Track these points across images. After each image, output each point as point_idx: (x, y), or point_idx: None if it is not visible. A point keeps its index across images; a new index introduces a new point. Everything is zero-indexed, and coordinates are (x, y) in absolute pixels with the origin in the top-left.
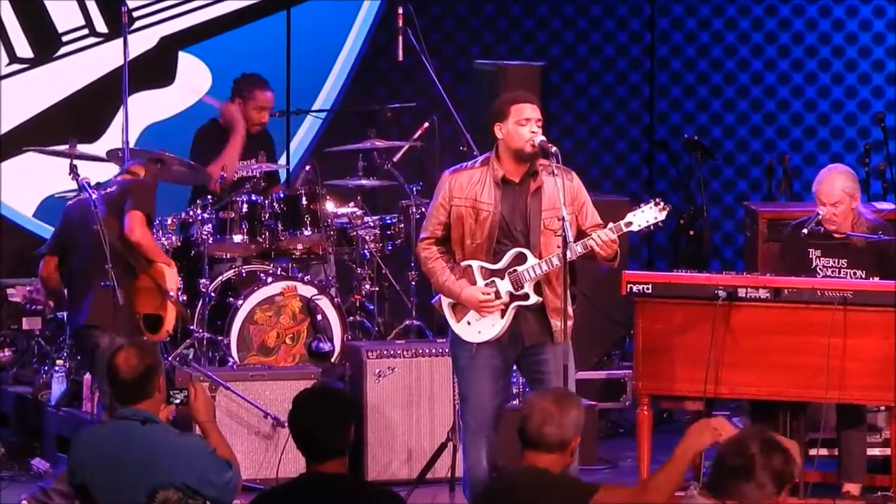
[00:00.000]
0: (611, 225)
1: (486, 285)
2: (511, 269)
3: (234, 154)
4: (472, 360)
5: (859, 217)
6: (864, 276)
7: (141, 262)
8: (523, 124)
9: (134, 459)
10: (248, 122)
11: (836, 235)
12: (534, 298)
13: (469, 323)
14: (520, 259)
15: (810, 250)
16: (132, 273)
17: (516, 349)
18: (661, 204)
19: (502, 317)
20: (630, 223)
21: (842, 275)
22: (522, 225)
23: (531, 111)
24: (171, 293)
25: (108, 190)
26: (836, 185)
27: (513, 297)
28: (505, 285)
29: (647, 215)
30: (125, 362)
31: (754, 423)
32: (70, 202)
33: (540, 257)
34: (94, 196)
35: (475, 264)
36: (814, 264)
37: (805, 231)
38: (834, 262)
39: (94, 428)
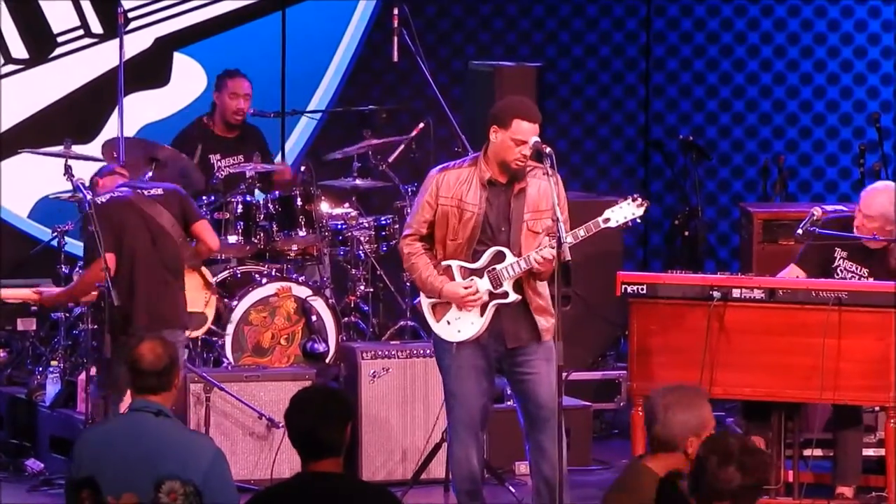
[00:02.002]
0: (588, 223)
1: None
2: (490, 268)
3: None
4: (454, 360)
5: None
6: None
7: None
8: (517, 143)
9: (143, 450)
10: (225, 112)
11: (829, 231)
12: (513, 296)
13: (449, 322)
14: (498, 258)
15: (837, 249)
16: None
17: (499, 350)
18: (639, 200)
19: (481, 315)
20: (608, 219)
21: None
22: (505, 226)
23: (531, 133)
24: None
25: (153, 192)
26: (874, 200)
27: (492, 296)
28: (484, 284)
29: (624, 211)
30: (151, 351)
31: (749, 425)
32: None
33: (519, 256)
34: (88, 197)
35: (454, 264)
36: (836, 263)
37: (800, 231)
38: (856, 268)
39: (103, 422)
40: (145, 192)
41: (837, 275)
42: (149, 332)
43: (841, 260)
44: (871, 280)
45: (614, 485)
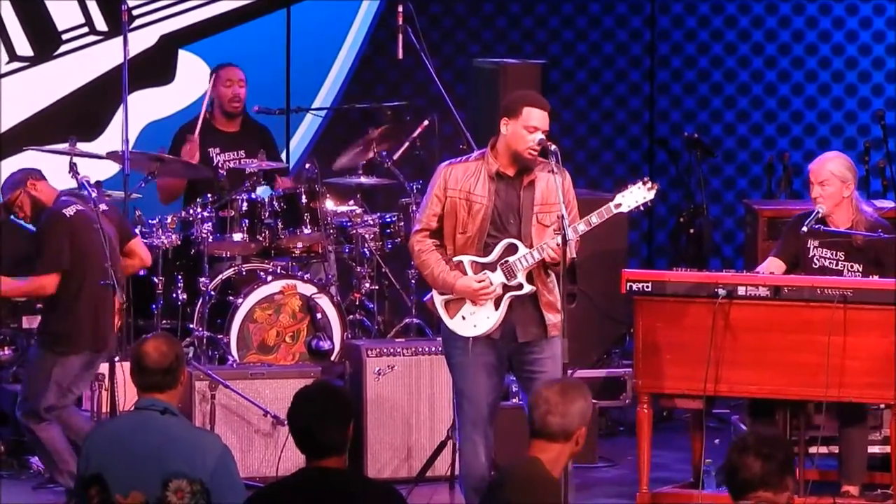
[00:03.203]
0: (599, 210)
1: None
2: (503, 261)
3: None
4: (466, 356)
5: (860, 213)
6: (860, 269)
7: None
8: (530, 131)
9: (150, 448)
10: (222, 101)
11: (833, 229)
12: (527, 288)
13: (464, 317)
14: (511, 250)
15: (808, 239)
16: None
17: (509, 346)
18: (650, 183)
19: (496, 308)
20: (619, 205)
21: (838, 267)
22: (514, 218)
23: (541, 120)
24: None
25: (101, 207)
26: (826, 165)
27: (506, 288)
28: (497, 277)
29: (635, 195)
30: (156, 349)
31: (754, 422)
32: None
33: (531, 248)
34: (94, 194)
35: (466, 259)
36: (811, 253)
37: (805, 229)
38: (831, 255)
39: (110, 420)
40: (100, 208)
41: (815, 264)
42: (87, 358)
43: (815, 250)
44: (852, 264)
45: (515, 491)
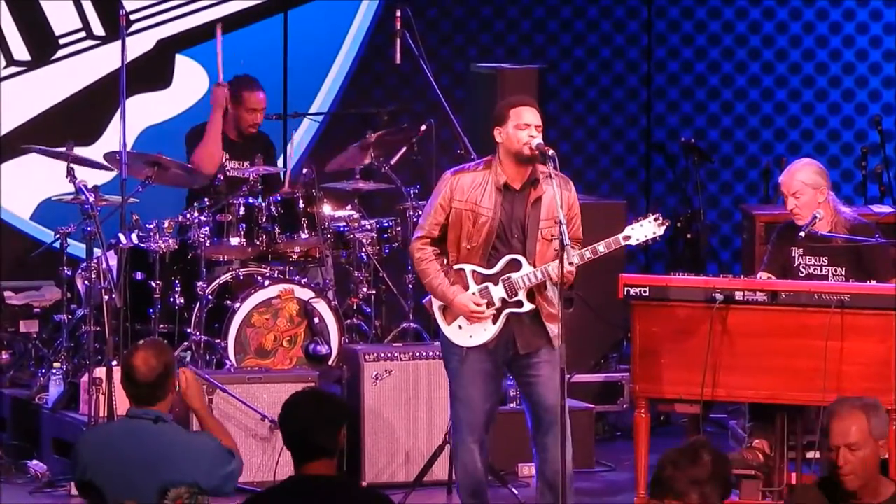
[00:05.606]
0: (608, 239)
1: (480, 291)
2: (505, 276)
3: (214, 135)
4: (463, 364)
5: (838, 216)
6: (843, 273)
7: None
8: (522, 128)
9: (145, 457)
10: (241, 124)
11: (826, 234)
12: (527, 306)
13: (460, 327)
14: (514, 266)
15: (792, 249)
16: None
17: (507, 354)
18: (661, 219)
19: (494, 322)
20: (628, 237)
21: (823, 272)
22: (520, 232)
23: (530, 115)
24: None
25: None
26: (795, 176)
27: (505, 304)
28: (498, 291)
29: (645, 229)
30: (144, 363)
31: (755, 426)
32: None
33: (535, 265)
34: (91, 198)
35: (468, 268)
36: (796, 262)
37: (802, 234)
38: (815, 261)
39: (103, 426)
40: None
41: (801, 272)
42: None
43: (800, 258)
44: (835, 268)
45: None
